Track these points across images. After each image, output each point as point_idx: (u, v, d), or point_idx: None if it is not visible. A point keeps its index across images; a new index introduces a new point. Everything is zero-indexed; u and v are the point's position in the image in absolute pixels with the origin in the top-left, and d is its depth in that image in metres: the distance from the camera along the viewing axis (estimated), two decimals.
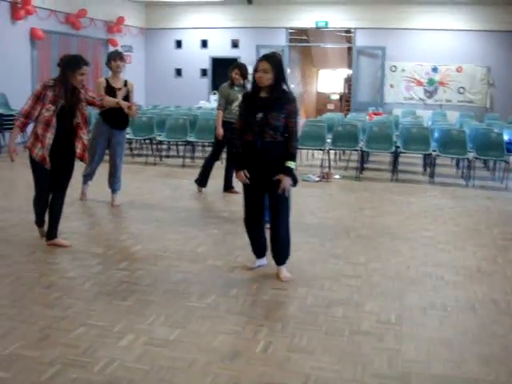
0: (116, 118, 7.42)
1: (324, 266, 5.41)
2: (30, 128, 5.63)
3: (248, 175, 4.91)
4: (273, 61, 4.78)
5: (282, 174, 4.80)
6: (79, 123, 5.57)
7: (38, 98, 5.42)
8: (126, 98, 7.37)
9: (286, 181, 4.83)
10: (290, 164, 4.83)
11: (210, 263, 5.43)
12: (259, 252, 5.26)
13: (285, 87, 4.87)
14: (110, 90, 7.33)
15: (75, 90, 5.54)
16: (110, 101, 6.80)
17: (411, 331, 4.09)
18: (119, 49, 17.33)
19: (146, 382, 3.31)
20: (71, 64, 5.48)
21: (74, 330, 3.95)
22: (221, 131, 8.40)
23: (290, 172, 4.84)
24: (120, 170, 7.72)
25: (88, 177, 7.88)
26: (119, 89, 7.42)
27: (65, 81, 5.46)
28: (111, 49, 16.75)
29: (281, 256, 5.10)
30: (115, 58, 7.49)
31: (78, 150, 5.62)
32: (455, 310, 4.50)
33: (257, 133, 4.79)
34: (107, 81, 7.48)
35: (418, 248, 6.09)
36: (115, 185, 7.74)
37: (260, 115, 4.78)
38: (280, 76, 4.79)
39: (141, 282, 4.90)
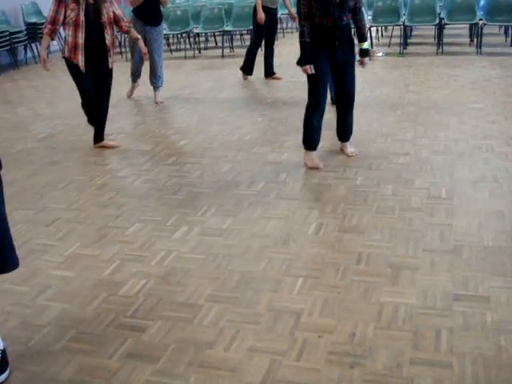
0: (149, 14, 7.33)
1: (372, 146, 5.36)
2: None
3: (313, 71, 4.76)
4: None
5: (363, 58, 5.03)
6: (105, 22, 5.46)
7: (60, 1, 5.32)
8: None
9: (365, 61, 5.06)
10: (365, 45, 5.00)
11: (256, 151, 5.44)
12: (317, 143, 5.04)
13: None
14: None
15: None
16: None
17: (462, 205, 4.06)
18: None
19: (202, 270, 3.40)
20: None
21: (129, 227, 4.06)
22: (262, 15, 8.16)
23: (367, 53, 5.03)
24: (159, 67, 7.66)
25: (134, 75, 7.90)
26: None
27: None
28: None
29: (349, 133, 5.20)
30: None
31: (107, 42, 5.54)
32: (506, 182, 4.42)
33: (336, 16, 4.66)
34: None
35: (467, 121, 5.95)
36: (156, 82, 7.71)
37: None
38: None
39: (190, 175, 4.96)
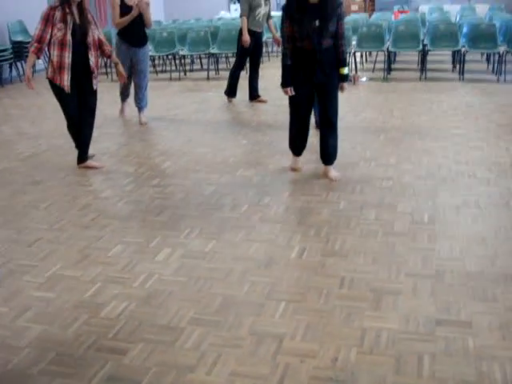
0: (134, 36, 7.40)
1: (355, 170, 5.39)
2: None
3: (293, 93, 5.00)
4: None
5: (342, 83, 5.07)
6: (90, 43, 5.47)
7: (47, 20, 5.32)
8: (140, 14, 7.25)
9: (345, 86, 5.11)
10: (345, 70, 5.02)
11: (240, 173, 5.45)
12: (301, 148, 5.39)
13: None
14: (126, 8, 7.21)
15: (82, 9, 5.43)
16: (124, 20, 6.78)
17: (445, 230, 4.09)
18: None
19: (184, 293, 3.38)
20: None
21: (111, 249, 4.04)
22: (247, 38, 8.22)
23: (346, 78, 5.06)
24: (144, 88, 7.69)
25: (123, 95, 7.96)
26: (134, 5, 7.28)
27: None
28: None
29: (332, 156, 5.24)
30: None
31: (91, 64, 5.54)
32: (488, 207, 4.46)
33: (315, 41, 4.77)
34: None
35: (449, 147, 6.01)
36: (141, 102, 7.73)
37: (317, 22, 4.74)
38: None
39: (173, 197, 4.95)
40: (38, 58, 5.54)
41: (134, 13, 7.18)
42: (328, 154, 5.21)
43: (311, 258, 3.75)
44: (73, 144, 5.97)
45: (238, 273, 3.59)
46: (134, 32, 7.37)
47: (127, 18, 7.19)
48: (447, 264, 3.60)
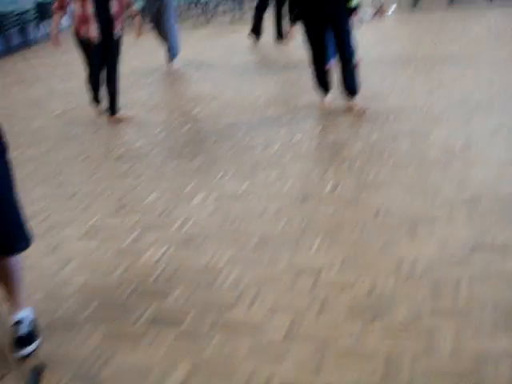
0: None
1: (386, 101, 5.33)
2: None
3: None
4: None
5: (352, 18, 5.02)
6: None
7: None
8: None
9: (355, 21, 5.12)
10: (353, 2, 4.98)
11: (271, 113, 5.43)
12: (328, 87, 5.37)
13: None
14: None
15: None
16: None
17: (479, 155, 4.04)
18: None
19: (221, 234, 3.43)
20: None
21: (148, 196, 4.09)
22: None
23: (355, 11, 5.07)
24: (173, 36, 7.68)
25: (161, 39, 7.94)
26: None
27: None
28: None
29: (351, 89, 5.17)
30: None
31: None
32: None
33: None
34: None
35: (482, 72, 5.89)
36: (172, 50, 7.74)
37: None
38: None
39: (205, 141, 4.97)
40: (62, 13, 5.52)
41: None
42: (346, 87, 5.16)
43: (345, 191, 3.75)
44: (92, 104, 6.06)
45: (273, 211, 3.61)
46: None
47: None
48: (482, 189, 3.56)
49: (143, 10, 7.51)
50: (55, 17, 5.52)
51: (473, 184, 3.64)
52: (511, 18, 8.42)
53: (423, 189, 3.65)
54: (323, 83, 5.31)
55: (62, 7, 5.42)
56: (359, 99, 5.23)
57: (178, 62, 7.83)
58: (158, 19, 7.54)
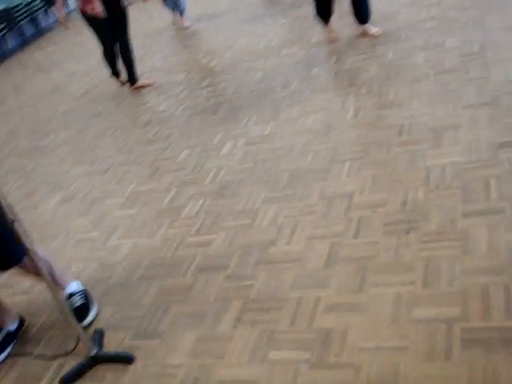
0: None
1: (397, 18, 5.27)
2: None
3: None
4: None
5: None
6: None
7: None
8: None
9: None
10: None
11: (285, 53, 5.45)
12: (329, 14, 5.25)
13: None
14: None
15: None
16: None
17: (496, 55, 3.99)
18: None
19: (253, 177, 3.51)
20: None
21: (178, 155, 4.19)
22: None
23: None
24: None
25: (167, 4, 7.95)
26: None
27: None
28: None
29: (365, 14, 5.12)
30: None
31: None
32: None
33: None
34: None
35: None
36: (180, 6, 7.77)
37: None
38: None
39: (226, 92, 5.03)
40: None
41: None
42: (360, 12, 5.10)
43: (367, 114, 3.78)
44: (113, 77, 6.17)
45: (299, 146, 3.68)
46: None
47: None
48: (503, 88, 3.54)
49: None
50: (58, 0, 5.60)
51: (492, 85, 3.62)
52: None
53: (443, 98, 3.65)
54: (322, 11, 5.24)
55: None
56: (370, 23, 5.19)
57: (188, 18, 7.85)
58: None
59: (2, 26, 11.00)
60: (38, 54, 10.31)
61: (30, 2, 11.69)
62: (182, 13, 7.81)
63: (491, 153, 2.95)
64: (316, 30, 5.62)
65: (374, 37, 5.05)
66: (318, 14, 5.25)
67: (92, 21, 5.61)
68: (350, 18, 5.27)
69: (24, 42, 11.46)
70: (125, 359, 2.43)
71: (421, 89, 3.88)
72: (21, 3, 11.45)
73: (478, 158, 2.94)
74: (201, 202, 3.46)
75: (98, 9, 5.48)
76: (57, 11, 5.70)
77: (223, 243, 2.98)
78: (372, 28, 5.12)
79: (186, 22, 7.81)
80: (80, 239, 3.56)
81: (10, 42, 11.20)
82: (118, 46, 5.84)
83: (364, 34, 5.14)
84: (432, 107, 3.59)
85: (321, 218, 2.89)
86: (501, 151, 2.93)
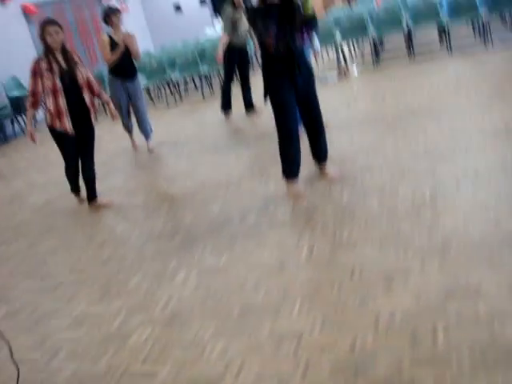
0: (125, 70, 7.70)
1: (354, 161, 5.49)
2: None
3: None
4: None
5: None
6: (82, 84, 5.64)
7: (36, 73, 5.50)
8: (128, 48, 7.57)
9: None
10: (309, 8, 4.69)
11: (245, 186, 5.58)
12: (297, 170, 5.08)
13: None
14: (114, 45, 7.49)
15: (66, 53, 5.61)
16: (114, 56, 7.18)
17: (447, 203, 4.18)
18: (114, 1, 17.21)
19: (204, 309, 3.51)
20: (39, 30, 5.53)
21: (131, 280, 4.18)
22: (221, 54, 8.44)
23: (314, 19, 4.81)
24: (146, 116, 7.99)
25: (127, 129, 8.14)
26: (120, 40, 7.55)
27: (45, 46, 5.52)
28: (105, 3, 16.63)
29: (325, 151, 5.24)
30: (115, 13, 7.55)
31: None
32: (487, 174, 4.54)
33: (291, 40, 4.74)
34: (110, 37, 7.57)
35: (444, 122, 6.09)
36: (146, 130, 7.98)
37: (285, 22, 4.69)
38: None
39: (183, 220, 5.09)
40: (35, 109, 5.71)
41: (121, 47, 7.44)
42: (322, 150, 5.24)
43: (321, 254, 3.87)
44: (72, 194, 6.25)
45: (252, 281, 3.71)
46: (125, 66, 7.68)
47: (116, 53, 7.49)
48: (452, 235, 3.69)
49: (113, 95, 7.73)
50: (29, 113, 5.70)
51: (443, 232, 3.76)
52: (470, 66, 8.73)
53: (395, 243, 3.77)
54: (296, 161, 5.06)
55: (35, 103, 5.61)
56: (328, 163, 5.39)
57: (153, 141, 8.05)
58: (129, 103, 7.81)
59: None
60: (1, 160, 10.36)
61: None
62: (147, 137, 8.01)
63: (439, 300, 3.03)
64: (276, 166, 5.77)
65: (333, 177, 5.21)
66: (286, 167, 5.08)
67: (59, 136, 5.69)
68: (309, 156, 5.46)
69: None
70: None
71: (374, 232, 4.00)
72: None
73: (427, 305, 3.01)
74: (149, 329, 3.43)
75: (67, 125, 5.58)
76: (27, 124, 5.78)
77: (170, 375, 2.93)
78: (330, 168, 5.30)
79: (151, 145, 7.99)
80: (21, 359, 3.43)
81: None
82: (81, 163, 5.92)
83: (323, 175, 5.31)
84: (384, 251, 3.70)
85: (269, 357, 2.88)
86: (448, 299, 3.02)
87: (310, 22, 4.81)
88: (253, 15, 4.85)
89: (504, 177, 4.46)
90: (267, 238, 4.31)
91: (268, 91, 4.93)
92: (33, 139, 5.67)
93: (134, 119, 8.03)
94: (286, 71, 4.85)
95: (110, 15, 7.56)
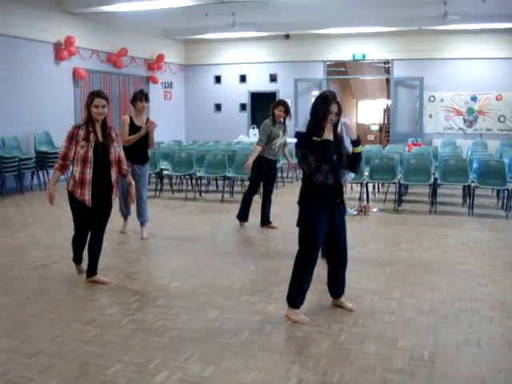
0: (137, 154, 7.84)
1: (359, 302, 5.42)
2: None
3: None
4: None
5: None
6: (112, 160, 5.73)
7: (72, 138, 5.63)
8: (147, 135, 7.75)
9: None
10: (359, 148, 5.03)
11: (245, 299, 5.51)
12: (303, 301, 5.07)
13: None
14: (134, 128, 7.66)
15: (106, 128, 5.74)
16: (133, 138, 7.56)
17: (444, 368, 4.09)
18: (160, 86, 17.75)
19: None
20: (88, 99, 5.72)
21: (111, 367, 4.07)
22: (250, 163, 8.52)
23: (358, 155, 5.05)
24: (145, 203, 8.05)
25: (124, 213, 8.19)
26: (143, 125, 7.74)
27: (89, 115, 5.68)
28: (152, 86, 17.17)
29: (343, 288, 5.27)
30: (141, 99, 7.80)
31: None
32: (490, 347, 4.47)
33: (339, 174, 4.96)
34: (131, 118, 7.76)
35: (455, 282, 6.07)
36: (143, 216, 8.04)
37: (335, 156, 4.88)
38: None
39: (177, 318, 5.00)
40: (62, 174, 5.80)
41: (143, 132, 7.65)
42: (342, 285, 5.26)
43: None
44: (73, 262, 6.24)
45: None
46: (138, 150, 7.84)
47: (135, 136, 7.66)
48: None
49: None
50: (55, 175, 5.78)
51: None
52: (489, 229, 8.78)
53: None
54: (305, 291, 5.06)
55: (64, 168, 5.69)
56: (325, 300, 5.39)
57: (148, 230, 8.13)
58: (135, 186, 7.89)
59: None
60: (12, 209, 10.41)
61: (24, 159, 12.03)
62: (143, 223, 8.03)
63: None
64: (280, 286, 5.73)
65: (352, 310, 5.19)
66: (289, 299, 5.06)
67: (76, 205, 5.73)
68: (319, 286, 5.40)
69: (1, 192, 11.58)
70: None
71: (365, 381, 3.90)
72: (16, 157, 11.78)
73: None
74: None
75: (87, 196, 5.62)
76: (49, 184, 5.83)
77: None
78: (347, 302, 5.27)
79: (145, 234, 8.01)
80: None
81: None
82: (90, 235, 5.92)
83: (335, 306, 5.28)
84: None
85: None
86: None
87: (357, 160, 5.05)
88: (306, 148, 4.84)
89: (507, 353, 4.38)
90: (256, 361, 4.20)
91: (304, 218, 4.96)
92: (51, 201, 5.71)
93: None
94: (329, 201, 4.92)
95: (137, 99, 7.79)
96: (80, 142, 5.60)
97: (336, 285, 5.26)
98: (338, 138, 4.94)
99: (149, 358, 4.22)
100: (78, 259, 6.20)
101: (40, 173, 12.67)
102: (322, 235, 4.96)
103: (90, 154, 5.60)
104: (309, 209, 4.92)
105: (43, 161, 12.68)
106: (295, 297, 5.02)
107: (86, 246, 6.01)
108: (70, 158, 5.65)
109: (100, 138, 5.68)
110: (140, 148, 7.82)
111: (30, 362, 4.15)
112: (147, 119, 7.82)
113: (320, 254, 5.34)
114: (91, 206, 5.68)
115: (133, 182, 6.17)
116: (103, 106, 5.65)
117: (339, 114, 4.84)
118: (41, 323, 4.88)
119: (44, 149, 12.88)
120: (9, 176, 11.86)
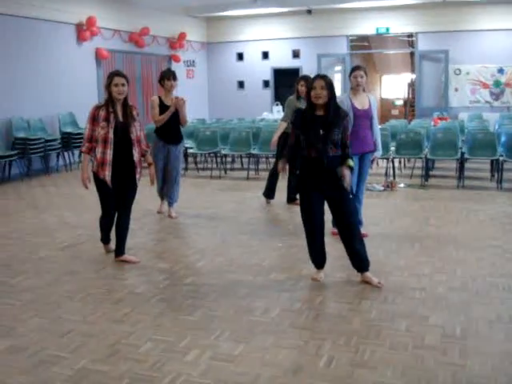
0: (170, 134, 7.80)
1: (388, 278, 5.37)
2: None
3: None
4: (327, 80, 5.05)
5: (345, 170, 5.10)
6: (134, 140, 5.71)
7: (94, 119, 5.62)
8: (176, 112, 7.68)
9: (348, 176, 5.13)
10: (350, 162, 5.13)
11: (274, 277, 5.49)
12: (322, 263, 5.38)
13: (336, 104, 5.15)
14: (164, 108, 7.60)
15: (126, 107, 5.71)
16: (163, 117, 7.48)
17: (476, 345, 4.04)
18: (182, 64, 17.67)
19: None
20: (107, 79, 5.71)
21: (141, 345, 4.08)
22: (276, 140, 8.45)
23: (351, 168, 5.17)
24: (176, 184, 8.03)
25: (160, 194, 8.16)
26: (172, 102, 7.67)
27: (109, 95, 5.66)
28: (174, 64, 17.10)
29: (363, 261, 5.26)
30: (169, 77, 7.72)
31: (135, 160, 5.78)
32: None
33: (320, 149, 5.01)
34: (160, 98, 7.71)
35: (485, 258, 5.99)
36: (172, 197, 8.03)
37: (322, 132, 5.01)
38: (333, 94, 5.06)
39: (206, 297, 5.00)
40: (91, 156, 5.78)
41: (172, 109, 7.56)
42: (358, 260, 5.25)
43: (339, 367, 3.73)
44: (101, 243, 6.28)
45: (265, 379, 3.59)
46: (171, 130, 7.78)
47: (166, 115, 7.59)
48: (477, 381, 3.54)
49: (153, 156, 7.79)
50: (85, 159, 5.78)
51: (468, 375, 3.61)
52: None
53: (417, 374, 3.63)
54: (317, 258, 5.39)
55: (91, 149, 5.68)
56: (355, 277, 5.36)
57: (176, 210, 8.13)
58: (166, 166, 7.85)
59: (15, 152, 11.26)
60: (38, 190, 10.48)
61: (49, 140, 12.08)
62: (171, 204, 8.02)
63: None
64: (308, 264, 5.71)
65: (377, 286, 5.15)
66: (311, 259, 5.42)
67: (101, 184, 5.73)
68: (346, 260, 5.37)
69: (27, 174, 11.67)
70: None
71: (397, 357, 3.86)
72: (42, 138, 11.84)
73: None
74: None
75: (107, 176, 5.62)
76: (82, 169, 5.82)
77: None
78: (373, 277, 5.23)
79: (173, 213, 8.03)
80: None
81: (14, 169, 11.39)
82: (117, 217, 5.93)
83: (364, 282, 5.24)
84: (404, 380, 3.56)
85: None
86: None
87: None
88: (301, 120, 5.16)
89: None
90: (287, 338, 4.18)
91: (298, 189, 5.29)
92: (86, 186, 5.72)
93: None
94: (313, 175, 5.15)
95: (165, 78, 7.73)
96: (100, 122, 5.59)
97: (354, 259, 5.27)
98: (337, 115, 5.07)
99: (179, 336, 4.22)
100: (105, 239, 6.22)
101: (65, 154, 12.73)
102: (313, 208, 5.18)
103: (111, 134, 5.59)
104: (298, 182, 5.26)
105: (68, 142, 12.74)
106: (313, 259, 5.39)
107: (114, 226, 6.02)
108: (95, 139, 5.64)
109: (120, 118, 5.65)
110: (173, 127, 7.76)
111: (61, 341, 4.18)
112: (176, 97, 7.76)
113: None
114: (112, 187, 5.67)
115: (153, 163, 6.13)
116: (123, 85, 5.62)
117: (330, 88, 5.01)
118: (71, 303, 4.91)
119: (69, 130, 12.91)
120: (35, 157, 11.92)
